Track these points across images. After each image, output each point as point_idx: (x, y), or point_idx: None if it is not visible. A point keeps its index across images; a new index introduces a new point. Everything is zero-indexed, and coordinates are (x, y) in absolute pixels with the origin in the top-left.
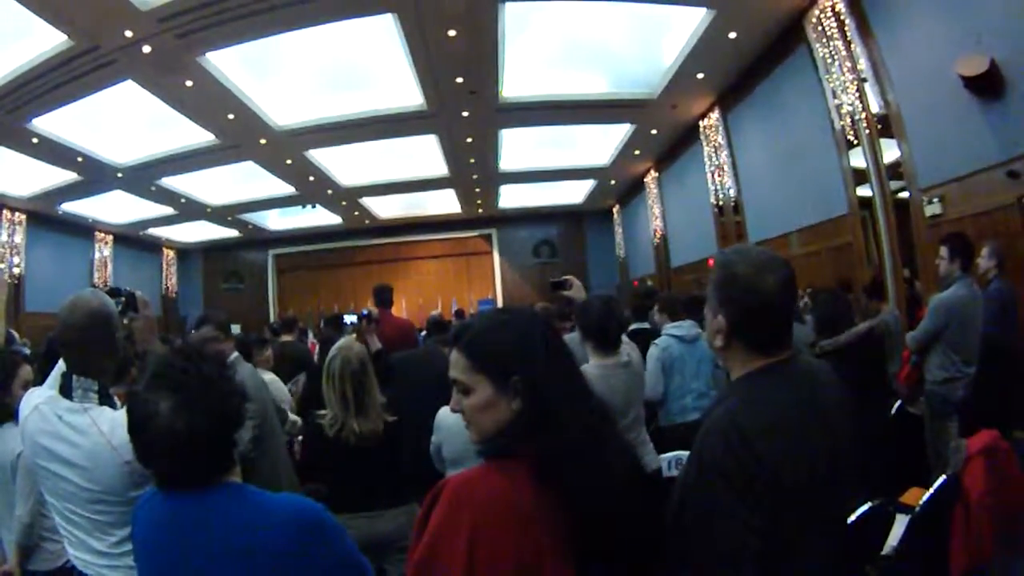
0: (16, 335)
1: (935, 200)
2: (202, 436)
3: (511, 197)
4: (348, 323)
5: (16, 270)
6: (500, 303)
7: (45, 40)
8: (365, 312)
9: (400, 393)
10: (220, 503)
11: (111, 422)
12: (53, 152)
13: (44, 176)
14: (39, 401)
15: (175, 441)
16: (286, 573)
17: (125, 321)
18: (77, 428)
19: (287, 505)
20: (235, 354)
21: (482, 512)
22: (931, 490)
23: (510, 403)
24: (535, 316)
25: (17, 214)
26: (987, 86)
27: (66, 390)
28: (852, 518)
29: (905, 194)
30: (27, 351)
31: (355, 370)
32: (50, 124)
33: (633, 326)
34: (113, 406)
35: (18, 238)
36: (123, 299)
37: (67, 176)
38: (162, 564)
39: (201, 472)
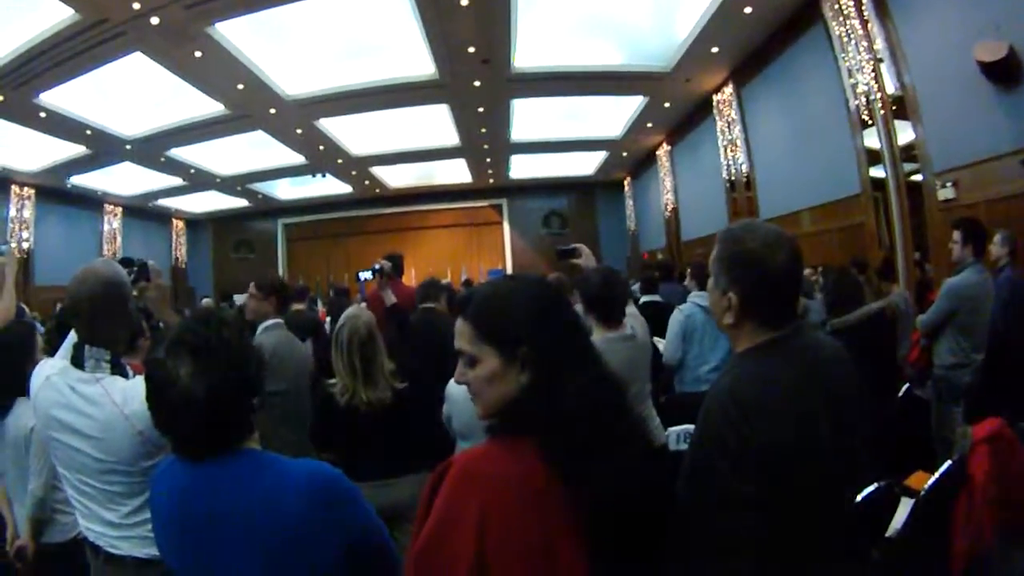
0: (26, 309)
1: (948, 184)
2: (221, 402)
3: (522, 167)
4: (362, 279)
5: (25, 244)
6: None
7: (52, 14)
8: (377, 266)
9: (410, 360)
10: (240, 470)
11: (123, 392)
12: (61, 126)
13: (52, 150)
14: (50, 372)
15: (194, 407)
16: (307, 539)
17: (135, 292)
18: (89, 398)
19: (307, 471)
20: (272, 320)
21: (492, 492)
22: (936, 475)
23: (518, 375)
24: (545, 284)
25: (26, 189)
26: (1004, 73)
27: (78, 360)
28: (858, 498)
29: (918, 177)
30: (38, 324)
31: (363, 339)
32: (58, 98)
33: (643, 299)
34: (125, 376)
35: (27, 212)
36: (135, 268)
37: (76, 149)
38: (181, 532)
39: (220, 438)
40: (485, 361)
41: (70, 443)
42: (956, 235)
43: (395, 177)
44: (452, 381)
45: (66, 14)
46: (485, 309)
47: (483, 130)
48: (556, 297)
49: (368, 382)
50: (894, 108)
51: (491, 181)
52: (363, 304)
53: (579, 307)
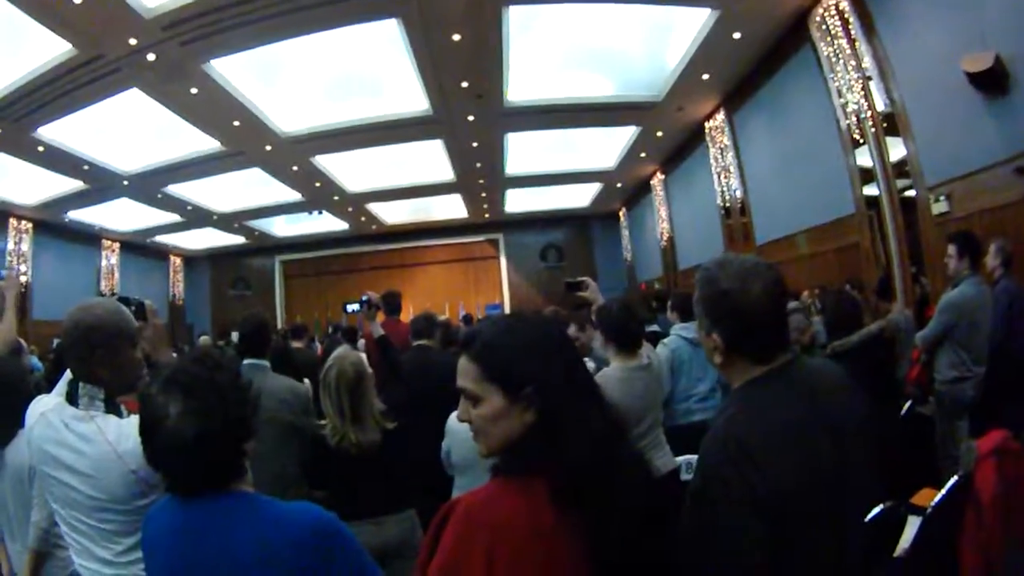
0: (24, 343)
1: (942, 198)
2: (210, 442)
3: (517, 201)
4: (350, 310)
5: (23, 278)
6: (507, 308)
7: (49, 49)
8: (365, 298)
9: (401, 396)
10: (231, 512)
11: (117, 430)
12: (59, 160)
13: (50, 184)
14: (45, 408)
15: (183, 445)
16: None
17: None
18: (83, 436)
19: (299, 515)
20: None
21: (500, 533)
22: (943, 491)
23: (522, 415)
24: (549, 323)
25: (24, 222)
26: (992, 82)
27: (72, 397)
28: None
29: (912, 192)
30: (35, 359)
31: (350, 381)
32: (56, 132)
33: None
34: (119, 414)
35: (25, 246)
36: (132, 308)
37: (73, 184)
38: (173, 573)
39: (210, 478)
40: (489, 400)
41: (63, 480)
42: (951, 249)
43: (391, 213)
44: (453, 415)
45: (63, 48)
46: (491, 349)
47: (478, 165)
48: (561, 336)
49: (357, 424)
50: (884, 125)
51: (487, 216)
52: (361, 342)
53: (597, 338)
